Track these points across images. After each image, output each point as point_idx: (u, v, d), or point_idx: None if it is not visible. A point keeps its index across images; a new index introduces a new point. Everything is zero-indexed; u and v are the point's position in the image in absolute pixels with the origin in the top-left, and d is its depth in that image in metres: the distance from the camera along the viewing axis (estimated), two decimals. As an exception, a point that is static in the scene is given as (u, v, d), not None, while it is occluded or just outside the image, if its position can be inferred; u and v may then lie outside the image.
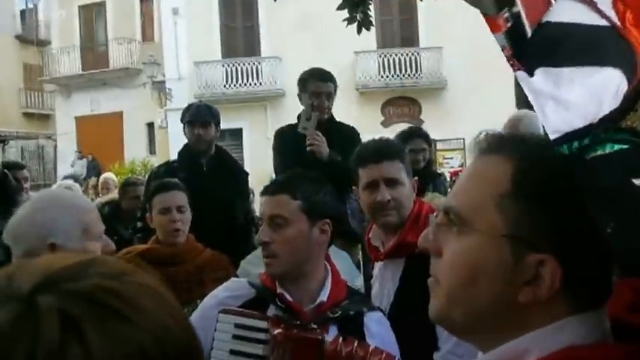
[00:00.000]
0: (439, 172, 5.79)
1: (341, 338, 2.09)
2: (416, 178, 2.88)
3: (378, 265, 2.87)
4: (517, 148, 1.07)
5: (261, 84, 24.26)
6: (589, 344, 0.98)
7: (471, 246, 1.04)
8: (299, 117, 4.52)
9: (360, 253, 4.18)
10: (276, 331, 2.11)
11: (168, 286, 2.81)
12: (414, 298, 2.54)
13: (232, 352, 2.17)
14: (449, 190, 6.17)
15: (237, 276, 3.39)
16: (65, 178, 9.48)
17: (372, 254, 2.90)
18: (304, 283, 2.32)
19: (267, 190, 2.37)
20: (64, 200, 2.37)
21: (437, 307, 1.12)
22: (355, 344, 2.05)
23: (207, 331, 2.22)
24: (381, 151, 2.77)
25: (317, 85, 4.54)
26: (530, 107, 6.17)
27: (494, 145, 1.11)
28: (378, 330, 2.32)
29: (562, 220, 0.99)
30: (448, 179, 6.39)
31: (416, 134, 5.50)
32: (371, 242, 2.88)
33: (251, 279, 2.45)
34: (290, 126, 4.68)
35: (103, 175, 9.52)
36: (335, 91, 4.61)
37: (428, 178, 5.20)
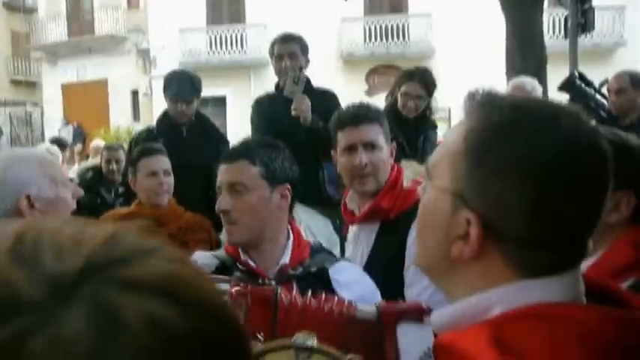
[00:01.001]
0: (434, 121, 5.08)
1: (295, 290, 2.09)
2: (394, 143, 2.87)
3: (352, 229, 2.88)
4: (480, 107, 1.08)
5: (245, 52, 24.13)
6: (558, 302, 0.99)
7: (429, 198, 1.10)
8: (277, 86, 4.54)
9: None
10: (234, 288, 2.07)
11: None
12: (386, 262, 2.65)
13: None
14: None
15: (219, 239, 3.52)
16: (52, 142, 9.44)
17: (347, 218, 2.91)
18: (267, 248, 2.31)
19: (225, 157, 2.33)
20: (25, 155, 2.50)
21: (416, 251, 1.20)
22: (309, 295, 2.06)
23: None
24: (360, 114, 2.76)
25: (279, 47, 4.50)
26: (520, 75, 6.11)
27: (470, 106, 1.13)
28: (346, 278, 2.32)
29: (492, 182, 1.00)
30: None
31: (417, 77, 4.79)
32: (347, 206, 2.89)
33: (215, 251, 2.46)
34: (267, 95, 4.66)
35: (94, 141, 9.50)
36: (303, 52, 4.50)
37: (420, 129, 4.86)
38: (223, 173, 2.30)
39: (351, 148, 2.73)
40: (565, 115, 1.01)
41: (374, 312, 2.02)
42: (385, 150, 2.75)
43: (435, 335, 1.62)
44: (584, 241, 1.04)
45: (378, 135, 2.73)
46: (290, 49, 4.46)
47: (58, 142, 9.26)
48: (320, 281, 2.26)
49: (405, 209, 2.66)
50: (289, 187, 2.33)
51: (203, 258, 2.40)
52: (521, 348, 0.93)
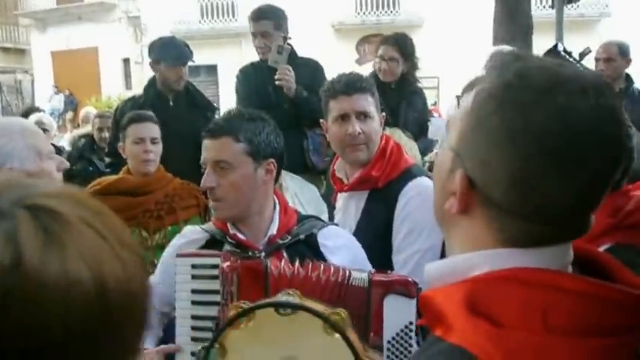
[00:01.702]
0: (417, 87, 4.93)
1: (283, 261, 2.12)
2: (384, 113, 2.88)
3: (341, 197, 2.90)
4: (495, 70, 1.06)
5: (236, 20, 23.98)
6: (539, 268, 1.00)
7: (441, 153, 1.14)
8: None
9: (324, 185, 4.16)
10: (225, 264, 2.11)
11: (139, 214, 2.97)
12: (374, 230, 2.70)
13: (194, 291, 2.20)
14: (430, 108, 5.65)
15: (207, 205, 3.48)
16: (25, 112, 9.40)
17: (335, 185, 2.91)
18: (254, 221, 2.33)
19: (209, 133, 2.31)
20: (9, 127, 2.42)
21: None
22: (297, 264, 2.08)
23: (170, 277, 2.29)
24: (354, 83, 2.74)
25: (251, 25, 4.46)
26: (508, 44, 6.18)
27: (487, 65, 1.10)
28: (333, 243, 2.35)
29: (483, 146, 1.02)
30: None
31: (392, 40, 4.79)
32: (335, 173, 2.90)
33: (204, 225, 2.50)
34: (252, 65, 4.61)
35: (84, 109, 9.49)
36: (278, 27, 4.40)
37: (402, 95, 4.78)
38: (207, 150, 2.31)
39: (343, 117, 2.73)
40: (566, 90, 0.97)
41: (365, 279, 2.03)
42: (377, 120, 2.76)
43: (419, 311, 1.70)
44: (578, 218, 1.03)
45: (371, 105, 2.75)
46: (261, 29, 4.39)
47: (51, 113, 9.21)
48: (309, 247, 2.31)
49: (394, 178, 2.72)
50: (274, 161, 2.34)
51: (193, 232, 2.46)
52: (493, 310, 0.95)
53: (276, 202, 2.41)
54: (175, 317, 2.26)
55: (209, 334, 2.09)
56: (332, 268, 2.07)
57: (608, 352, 0.93)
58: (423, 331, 1.97)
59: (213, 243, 2.36)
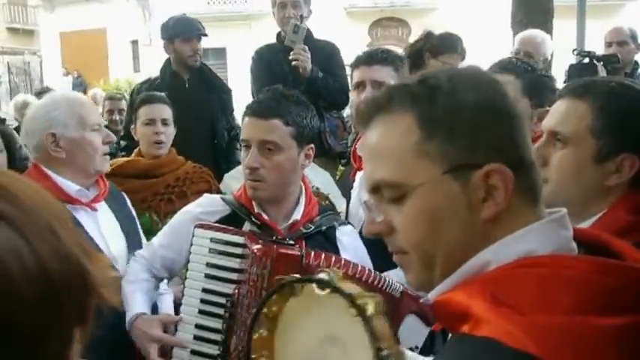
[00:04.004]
0: None
1: (313, 252, 2.15)
2: None
3: (359, 174, 2.91)
4: (406, 98, 1.08)
5: (246, 1, 23.88)
6: (548, 253, 1.02)
7: (419, 202, 1.06)
8: (278, 35, 4.49)
9: (339, 170, 4.18)
10: (256, 246, 2.13)
11: (149, 196, 3.03)
12: None
13: (209, 264, 2.21)
14: None
15: (220, 189, 3.49)
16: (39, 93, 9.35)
17: (355, 163, 2.96)
18: (282, 203, 2.37)
19: (257, 113, 2.31)
20: (59, 96, 2.69)
21: (416, 276, 1.13)
22: (323, 257, 2.13)
23: (180, 245, 2.32)
24: (376, 54, 2.86)
25: None
26: (526, 28, 6.01)
27: (385, 105, 1.10)
28: (349, 242, 2.41)
29: (481, 133, 1.04)
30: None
31: (459, 48, 4.19)
32: (356, 152, 2.92)
33: (224, 196, 2.50)
34: (267, 46, 4.63)
35: (92, 90, 9.50)
36: (305, 1, 4.46)
37: None
38: (254, 129, 2.30)
39: (359, 85, 2.82)
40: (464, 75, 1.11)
41: (398, 289, 2.10)
42: None
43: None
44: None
45: (390, 77, 2.76)
46: None
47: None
48: (327, 239, 2.36)
49: None
50: (313, 146, 2.39)
51: (212, 204, 2.45)
52: (513, 300, 0.95)
53: (303, 187, 2.44)
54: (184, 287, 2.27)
55: (219, 310, 2.17)
56: (366, 269, 2.13)
57: (631, 329, 0.94)
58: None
59: (233, 218, 2.36)
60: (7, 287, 0.68)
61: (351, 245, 2.40)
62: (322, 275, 1.52)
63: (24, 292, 0.69)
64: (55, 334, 0.73)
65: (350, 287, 1.37)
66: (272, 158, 2.28)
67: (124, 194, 2.97)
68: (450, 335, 1.08)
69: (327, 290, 1.39)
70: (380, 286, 2.09)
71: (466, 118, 1.04)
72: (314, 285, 1.40)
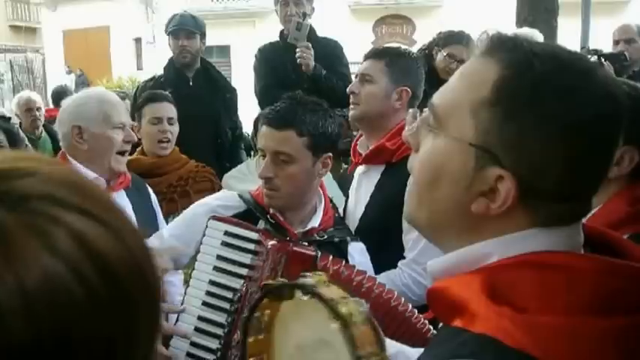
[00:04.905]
0: None
1: (331, 257, 2.14)
2: (406, 89, 2.82)
3: (358, 170, 2.94)
4: (510, 52, 1.00)
5: (250, -1, 23.88)
6: (554, 250, 0.99)
7: (440, 148, 1.04)
8: (282, 33, 4.48)
9: (342, 169, 4.10)
10: (271, 242, 2.13)
11: None
12: (387, 204, 2.66)
13: (219, 257, 2.20)
14: None
15: (222, 189, 3.50)
16: (56, 91, 9.28)
17: (354, 158, 2.98)
18: (298, 210, 2.39)
19: (271, 123, 2.30)
20: (92, 93, 2.93)
21: (409, 205, 1.14)
22: (342, 263, 2.13)
23: (193, 235, 2.31)
24: (371, 51, 2.92)
25: None
26: (531, 26, 6.05)
27: (490, 46, 1.04)
28: (360, 259, 2.41)
29: (530, 139, 0.96)
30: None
31: (465, 39, 4.48)
32: (357, 149, 2.95)
33: (242, 193, 2.49)
34: (271, 44, 4.62)
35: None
36: None
37: None
38: (268, 139, 2.31)
39: (356, 77, 2.93)
40: (597, 72, 1.00)
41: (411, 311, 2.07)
42: (381, 86, 2.79)
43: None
44: (593, 194, 1.07)
45: (377, 70, 2.80)
46: None
47: (62, 92, 9.07)
48: (338, 251, 2.34)
49: (409, 154, 2.63)
50: (331, 155, 2.38)
51: (230, 199, 2.47)
52: (513, 296, 0.93)
53: (322, 195, 2.46)
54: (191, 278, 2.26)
55: (224, 304, 2.15)
56: (366, 274, 2.12)
57: (633, 330, 0.92)
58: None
59: (248, 215, 2.37)
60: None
61: (361, 263, 2.36)
62: (305, 280, 1.51)
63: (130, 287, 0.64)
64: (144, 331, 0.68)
65: (332, 292, 1.35)
66: (285, 169, 2.29)
67: (151, 191, 3.11)
68: (440, 325, 1.07)
69: (309, 295, 1.38)
70: (387, 301, 2.04)
71: (529, 116, 0.96)
72: (298, 290, 1.39)
